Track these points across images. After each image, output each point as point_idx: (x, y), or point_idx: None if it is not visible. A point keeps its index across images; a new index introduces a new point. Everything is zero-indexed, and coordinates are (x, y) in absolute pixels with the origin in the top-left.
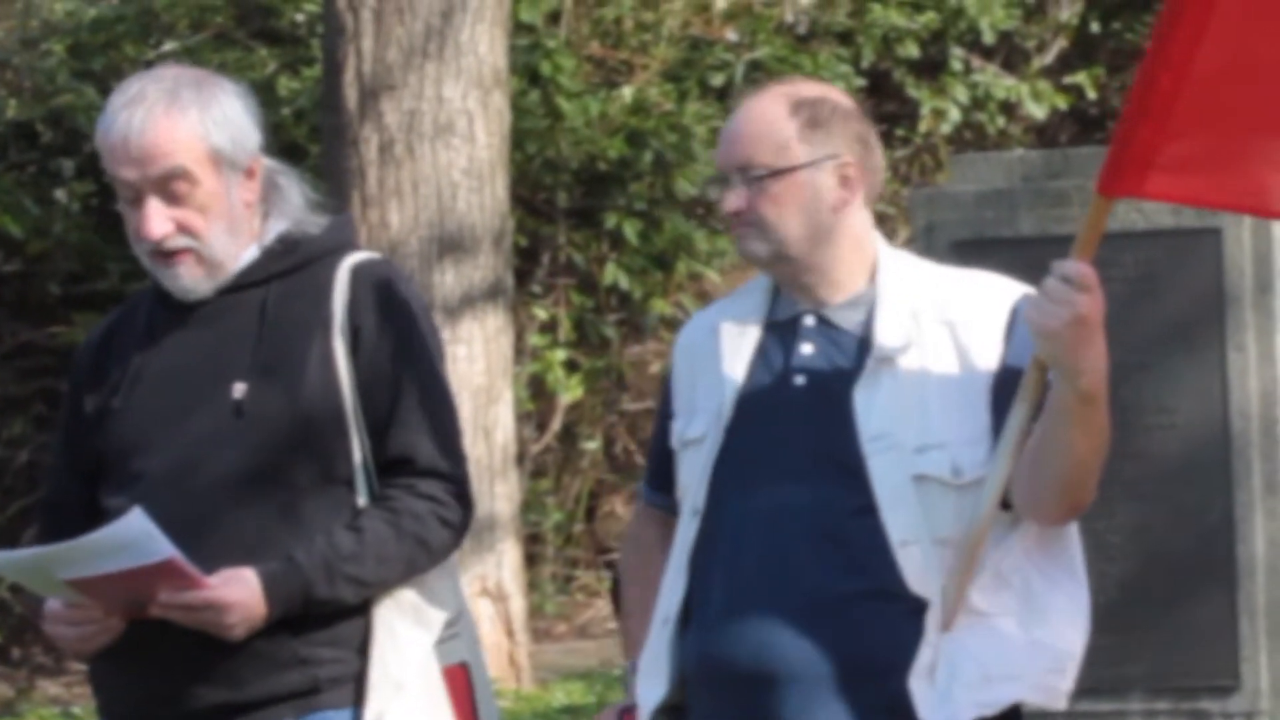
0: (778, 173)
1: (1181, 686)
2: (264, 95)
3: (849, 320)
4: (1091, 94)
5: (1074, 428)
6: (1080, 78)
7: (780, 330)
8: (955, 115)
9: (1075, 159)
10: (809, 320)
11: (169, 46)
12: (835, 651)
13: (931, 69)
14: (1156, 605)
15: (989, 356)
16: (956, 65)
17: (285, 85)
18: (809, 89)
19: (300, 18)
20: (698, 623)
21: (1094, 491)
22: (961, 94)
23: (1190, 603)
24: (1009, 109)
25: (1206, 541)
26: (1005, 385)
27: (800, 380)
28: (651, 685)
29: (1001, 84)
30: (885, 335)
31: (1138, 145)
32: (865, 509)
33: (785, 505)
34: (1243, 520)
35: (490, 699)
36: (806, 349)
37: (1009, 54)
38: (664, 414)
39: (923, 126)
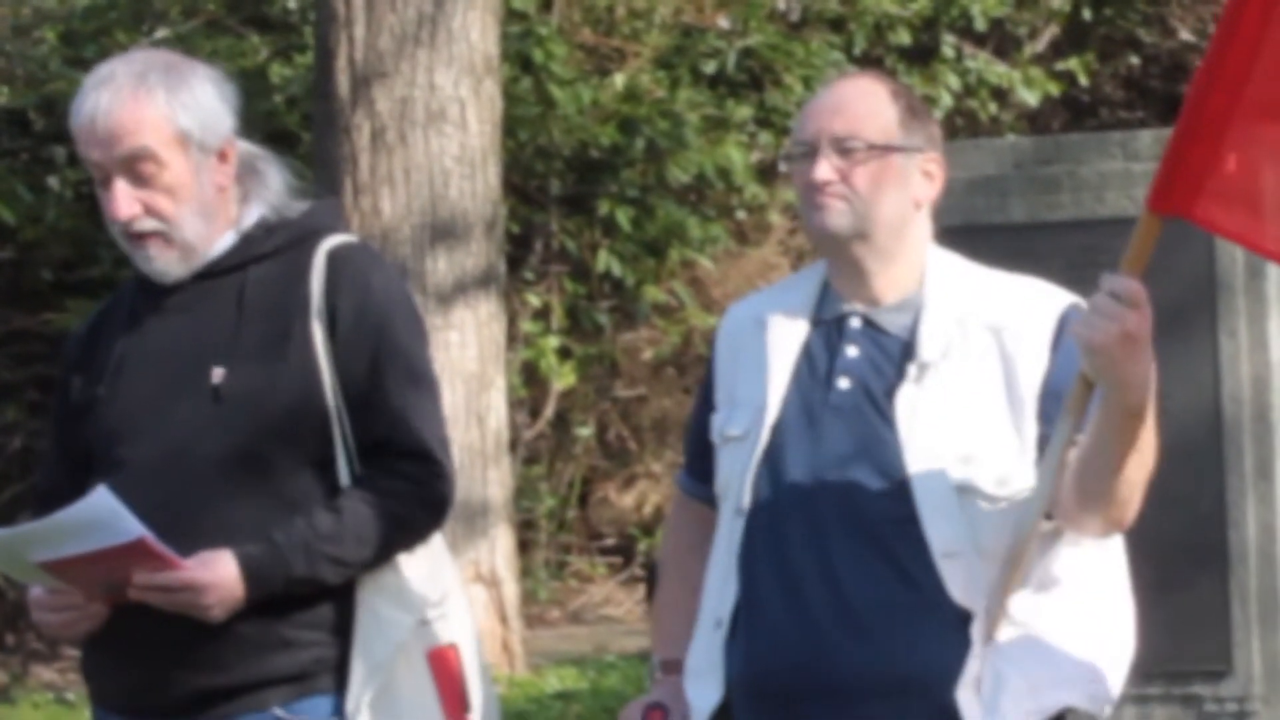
0: (880, 149)
1: (1173, 672)
2: (256, 82)
3: (895, 324)
4: (1083, 81)
5: (1121, 443)
6: (1072, 64)
7: (826, 329)
8: (947, 102)
9: (1067, 146)
10: (855, 322)
11: (161, 34)
12: (882, 665)
13: (923, 56)
14: (1148, 591)
15: (1035, 366)
16: (948, 52)
17: (277, 72)
18: (897, 82)
19: (292, 4)
20: (746, 630)
21: (1138, 508)
22: (953, 81)
23: (1182, 588)
24: (1001, 96)
25: (1198, 527)
26: (1051, 396)
27: (844, 384)
28: (705, 690)
29: (993, 71)
30: (929, 342)
31: (1188, 165)
32: (908, 519)
33: (829, 513)
34: (1234, 506)
35: (485, 679)
36: (852, 351)
37: (1001, 41)
38: (704, 404)
39: None
